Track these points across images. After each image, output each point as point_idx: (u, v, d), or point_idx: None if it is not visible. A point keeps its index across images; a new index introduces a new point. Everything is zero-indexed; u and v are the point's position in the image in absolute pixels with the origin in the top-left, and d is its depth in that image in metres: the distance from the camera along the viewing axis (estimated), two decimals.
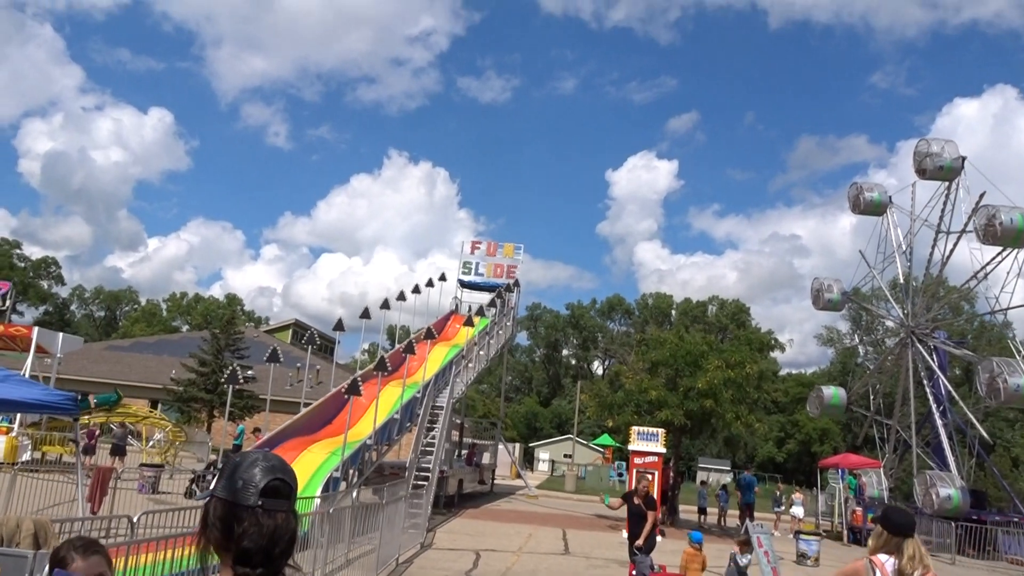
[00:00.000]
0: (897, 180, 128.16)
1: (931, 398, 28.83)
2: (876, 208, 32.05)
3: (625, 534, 12.44)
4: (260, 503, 1.79)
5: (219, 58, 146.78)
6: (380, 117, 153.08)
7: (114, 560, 6.20)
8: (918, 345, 29.76)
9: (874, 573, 4.22)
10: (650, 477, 13.71)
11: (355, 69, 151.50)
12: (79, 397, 7.33)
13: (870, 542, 4.56)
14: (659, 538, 12.35)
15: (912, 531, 4.37)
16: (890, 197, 32.14)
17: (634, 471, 21.30)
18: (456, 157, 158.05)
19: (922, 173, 29.63)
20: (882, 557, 4.28)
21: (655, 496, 20.08)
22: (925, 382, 29.41)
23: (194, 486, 19.24)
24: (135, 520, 7.43)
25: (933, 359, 29.28)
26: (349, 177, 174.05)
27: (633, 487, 12.79)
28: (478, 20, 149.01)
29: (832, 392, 33.12)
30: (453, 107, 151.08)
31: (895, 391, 31.81)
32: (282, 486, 1.84)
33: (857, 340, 64.79)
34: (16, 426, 22.93)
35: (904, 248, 31.86)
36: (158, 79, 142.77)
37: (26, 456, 22.00)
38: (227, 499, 1.81)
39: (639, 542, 11.80)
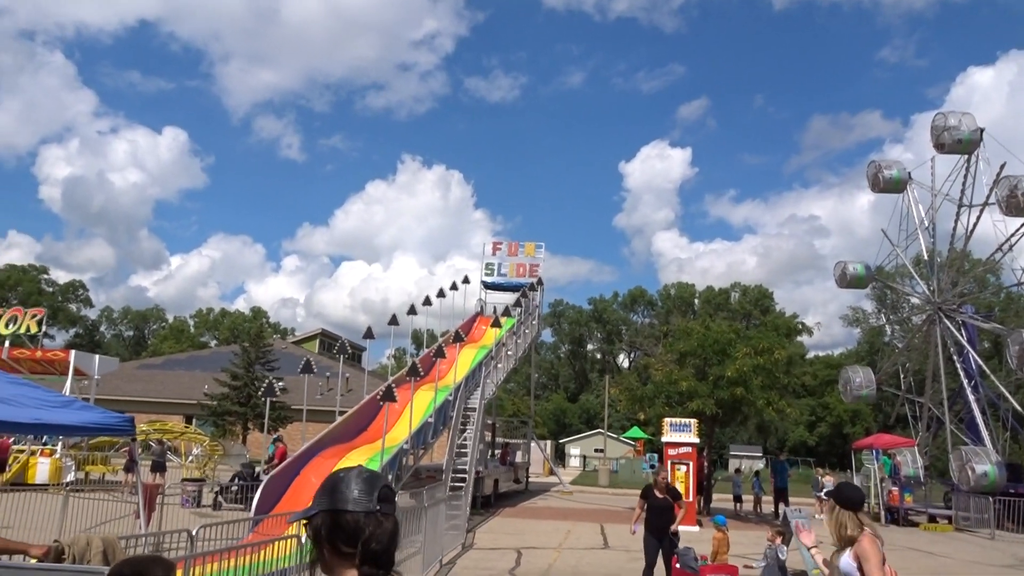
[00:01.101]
0: (914, 155, 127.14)
1: (962, 373, 28.65)
2: (896, 185, 31.85)
3: (638, 528, 11.19)
4: (379, 508, 1.97)
5: (228, 74, 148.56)
6: (391, 123, 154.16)
7: (177, 574, 6.49)
8: (946, 321, 29.57)
9: (878, 540, 4.76)
10: (666, 470, 12.63)
11: (363, 77, 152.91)
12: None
13: (836, 521, 4.86)
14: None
15: (861, 506, 4.90)
16: (909, 173, 31.93)
17: (668, 462, 21.41)
18: (469, 158, 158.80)
19: (940, 148, 29.44)
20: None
21: (682, 486, 20.32)
22: (955, 357, 29.23)
23: (219, 497, 19.50)
24: (194, 533, 7.71)
25: (962, 334, 29.09)
26: (364, 184, 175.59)
27: (652, 482, 11.67)
28: (482, 20, 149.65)
29: (861, 380, 32.61)
30: (462, 108, 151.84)
31: (925, 368, 31.63)
32: (390, 493, 2.04)
33: (883, 319, 64.26)
34: (59, 448, 23.50)
35: (926, 224, 31.66)
36: (169, 99, 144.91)
37: (70, 477, 22.56)
38: (348, 509, 1.96)
39: (673, 527, 11.05)
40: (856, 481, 29.18)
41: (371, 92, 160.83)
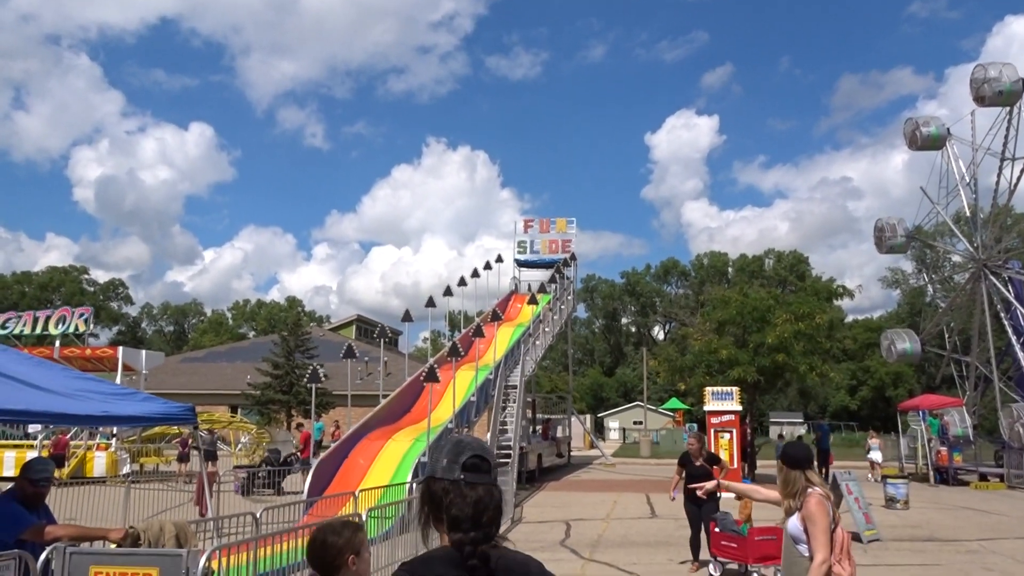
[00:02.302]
0: (949, 110, 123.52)
1: (1009, 330, 28.09)
2: (935, 142, 31.11)
3: (677, 495, 11.03)
4: (462, 477, 2.04)
5: (249, 67, 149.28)
6: (413, 106, 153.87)
7: (239, 555, 6.68)
8: (991, 277, 28.99)
9: (827, 501, 4.42)
10: (693, 439, 11.80)
11: (383, 62, 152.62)
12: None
13: (785, 481, 4.59)
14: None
15: (809, 464, 4.60)
16: (948, 129, 31.20)
17: (711, 431, 21.40)
18: (493, 138, 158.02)
19: (980, 100, 28.66)
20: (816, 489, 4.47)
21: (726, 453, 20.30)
22: (1002, 314, 28.68)
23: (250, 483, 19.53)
24: (258, 516, 7.92)
25: (1008, 290, 28.51)
26: (390, 169, 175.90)
27: (687, 451, 11.17)
28: None
29: (906, 345, 31.89)
30: (484, 88, 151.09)
31: (970, 327, 31.05)
32: (480, 463, 2.09)
33: (924, 280, 63.13)
34: (114, 442, 24.14)
35: (968, 180, 30.93)
36: (194, 95, 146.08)
37: (126, 468, 23.18)
38: (437, 476, 2.08)
39: (710, 486, 10.86)
40: (903, 443, 28.95)
41: (392, 77, 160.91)
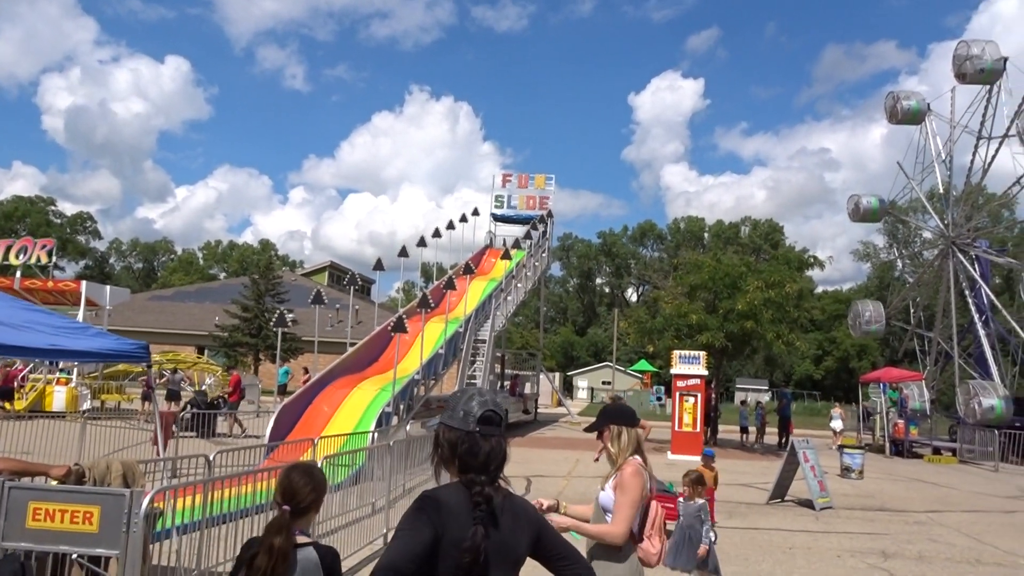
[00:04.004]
0: (929, 86, 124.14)
1: (973, 308, 28.54)
2: (914, 117, 31.16)
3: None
4: (477, 429, 2.34)
5: (230, 2, 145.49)
6: (397, 53, 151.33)
7: (195, 496, 6.59)
8: (959, 255, 29.33)
9: (644, 471, 3.98)
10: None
11: (367, 5, 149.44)
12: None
13: (613, 446, 4.06)
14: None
15: (635, 421, 4.16)
16: (928, 104, 31.22)
17: (677, 394, 21.60)
18: (477, 90, 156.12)
19: (962, 78, 28.66)
20: (637, 457, 4.04)
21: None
22: (966, 292, 29.10)
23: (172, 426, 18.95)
24: (211, 458, 7.81)
25: (975, 269, 28.89)
26: (370, 116, 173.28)
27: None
28: None
29: (871, 314, 32.42)
30: (470, 38, 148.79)
31: (935, 303, 31.52)
32: (494, 416, 2.39)
33: (895, 254, 63.82)
34: (75, 376, 23.82)
35: (944, 157, 31.09)
36: (171, 27, 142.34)
37: (86, 405, 22.92)
38: (453, 426, 2.37)
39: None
40: (861, 412, 29.53)
41: (376, 21, 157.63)
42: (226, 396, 22.86)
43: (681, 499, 7.47)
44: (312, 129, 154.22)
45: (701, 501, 7.34)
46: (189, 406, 20.56)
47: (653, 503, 4.04)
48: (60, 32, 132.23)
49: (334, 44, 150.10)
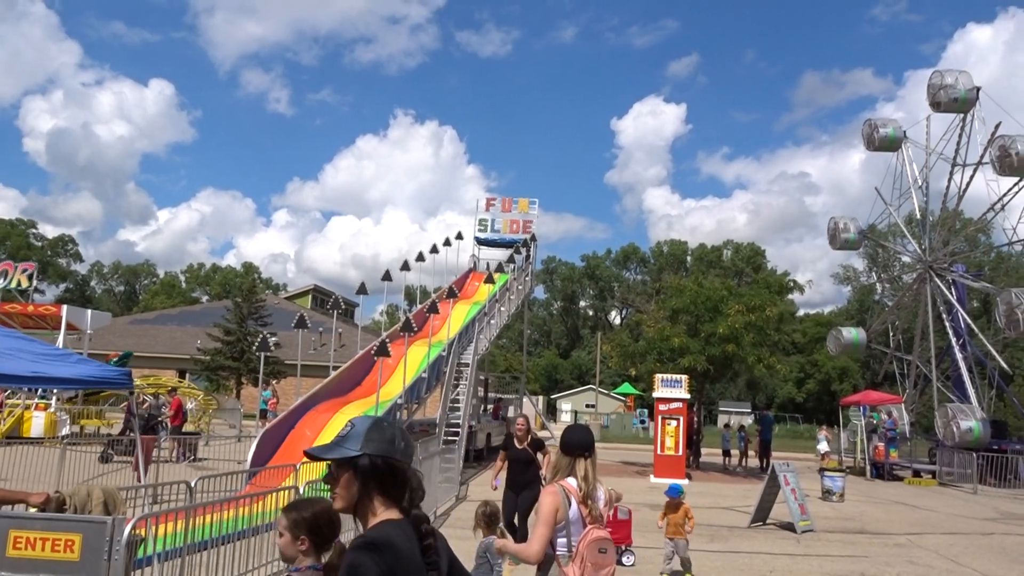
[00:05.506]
0: (906, 113, 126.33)
1: (950, 332, 28.92)
2: (891, 144, 31.76)
3: (499, 483, 10.02)
4: (409, 461, 2.23)
5: (213, 26, 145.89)
6: (381, 77, 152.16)
7: (176, 523, 6.57)
8: (936, 279, 29.77)
9: (568, 497, 4.06)
10: (523, 417, 10.00)
11: (351, 30, 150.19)
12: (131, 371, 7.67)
13: (550, 469, 4.28)
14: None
15: (587, 450, 4.21)
16: (904, 132, 31.83)
17: (659, 417, 21.68)
18: (461, 114, 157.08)
19: (936, 106, 29.28)
20: (571, 481, 4.14)
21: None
22: (944, 316, 29.49)
23: (109, 450, 18.42)
24: (193, 485, 7.80)
25: (952, 293, 29.32)
26: (354, 139, 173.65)
27: (511, 434, 10.10)
28: None
29: (852, 333, 33.31)
30: (454, 63, 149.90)
31: (914, 327, 31.92)
32: (411, 445, 2.30)
33: (874, 278, 64.58)
34: (54, 401, 23.57)
35: (920, 183, 31.66)
36: (155, 51, 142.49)
37: (65, 430, 22.64)
38: (392, 457, 2.15)
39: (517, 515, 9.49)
40: (843, 437, 29.71)
41: (360, 45, 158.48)
42: (167, 421, 21.95)
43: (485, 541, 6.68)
44: (296, 152, 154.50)
45: (489, 539, 6.54)
46: (129, 431, 19.49)
47: (591, 528, 4.04)
48: (43, 55, 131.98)
49: (318, 68, 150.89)
